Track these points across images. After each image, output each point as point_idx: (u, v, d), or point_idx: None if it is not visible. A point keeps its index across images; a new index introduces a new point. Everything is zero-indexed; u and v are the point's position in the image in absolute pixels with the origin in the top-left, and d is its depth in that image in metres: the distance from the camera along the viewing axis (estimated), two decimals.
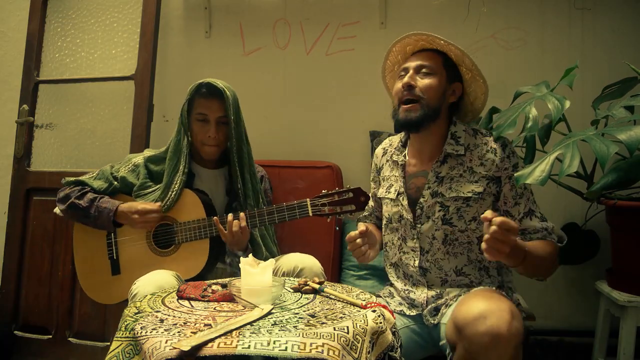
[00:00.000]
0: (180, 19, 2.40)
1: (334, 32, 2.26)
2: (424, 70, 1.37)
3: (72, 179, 1.71)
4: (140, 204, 1.59)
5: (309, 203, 1.49)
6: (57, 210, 1.72)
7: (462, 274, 1.35)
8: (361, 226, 1.33)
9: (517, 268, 1.23)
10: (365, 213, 1.65)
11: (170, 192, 1.60)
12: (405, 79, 1.37)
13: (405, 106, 1.36)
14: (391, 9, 2.22)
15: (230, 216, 1.52)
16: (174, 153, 1.64)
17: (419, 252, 1.38)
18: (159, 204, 1.58)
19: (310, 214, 1.49)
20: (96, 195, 1.65)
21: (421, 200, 1.38)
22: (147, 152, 1.74)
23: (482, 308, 1.08)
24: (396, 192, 1.44)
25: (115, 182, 1.67)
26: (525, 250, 1.18)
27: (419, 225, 1.38)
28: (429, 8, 2.17)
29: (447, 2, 2.15)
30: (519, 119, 1.46)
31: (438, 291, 1.36)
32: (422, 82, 1.36)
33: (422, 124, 1.36)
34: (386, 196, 1.48)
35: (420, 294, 1.37)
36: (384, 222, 1.50)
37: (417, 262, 1.38)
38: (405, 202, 1.41)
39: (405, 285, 1.42)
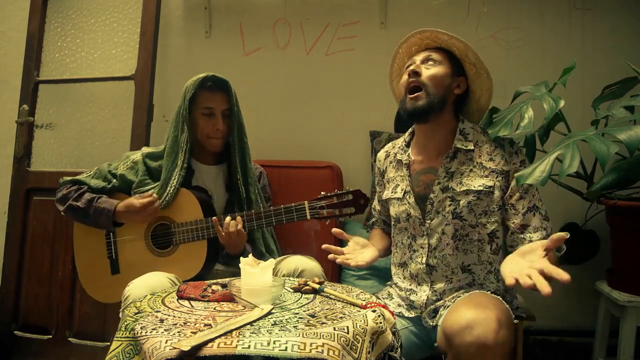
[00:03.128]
0: (180, 19, 2.40)
1: (334, 32, 2.26)
2: (429, 62, 1.39)
3: (70, 178, 1.69)
4: (136, 200, 1.57)
5: (307, 206, 1.48)
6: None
7: (468, 271, 1.35)
8: (337, 232, 1.40)
9: None
10: (373, 219, 1.65)
11: (168, 188, 1.59)
12: (412, 67, 1.39)
13: (411, 95, 1.37)
14: (391, 9, 2.22)
15: (228, 218, 1.52)
16: (171, 149, 1.63)
17: (427, 249, 1.38)
18: (152, 192, 1.57)
19: (308, 217, 1.48)
20: (94, 195, 1.63)
21: (431, 195, 1.38)
22: (145, 150, 1.73)
23: (469, 318, 1.08)
24: (402, 191, 1.44)
25: (114, 180, 1.67)
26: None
27: (428, 222, 1.38)
28: (429, 8, 2.17)
29: (447, 2, 2.15)
30: (515, 120, 1.46)
31: (439, 291, 1.36)
32: (427, 71, 1.38)
33: (429, 112, 1.36)
34: (392, 196, 1.47)
35: (422, 295, 1.37)
36: (392, 222, 1.50)
37: (424, 259, 1.38)
38: (412, 200, 1.41)
39: (410, 285, 1.42)
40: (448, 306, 1.32)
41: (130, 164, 1.69)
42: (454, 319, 1.10)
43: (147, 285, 1.37)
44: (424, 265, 1.38)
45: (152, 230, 1.63)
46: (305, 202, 1.48)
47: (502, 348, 1.05)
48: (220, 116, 1.63)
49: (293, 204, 1.49)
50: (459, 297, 1.32)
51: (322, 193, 1.48)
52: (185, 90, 1.63)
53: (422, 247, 1.40)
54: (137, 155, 1.71)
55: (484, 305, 1.12)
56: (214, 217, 1.54)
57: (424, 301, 1.36)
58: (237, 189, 1.65)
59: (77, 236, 1.71)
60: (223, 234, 1.51)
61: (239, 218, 1.52)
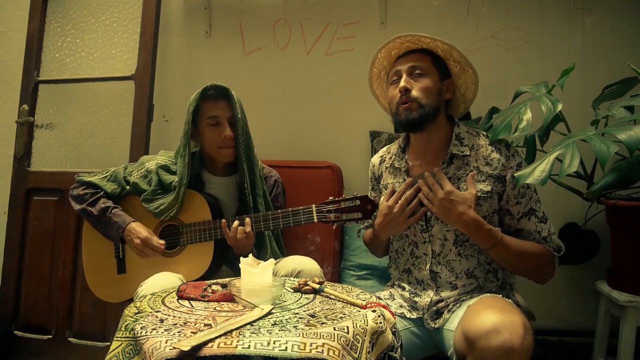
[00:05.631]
0: (180, 19, 2.40)
1: (334, 32, 2.26)
2: (417, 71, 1.37)
3: (87, 178, 1.68)
4: (147, 232, 1.57)
5: (314, 209, 1.48)
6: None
7: (473, 277, 1.35)
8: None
9: (502, 262, 1.31)
10: (367, 223, 1.62)
11: (176, 204, 1.59)
12: (402, 82, 1.36)
13: (404, 105, 1.36)
14: (391, 9, 2.22)
15: (236, 222, 1.51)
16: (179, 162, 1.63)
17: (430, 256, 1.38)
18: (162, 243, 1.56)
19: (315, 220, 1.47)
20: (109, 204, 1.63)
21: None
22: (161, 157, 1.72)
23: (495, 321, 1.06)
24: None
25: (128, 187, 1.67)
26: (499, 236, 1.27)
27: (430, 228, 1.38)
28: (429, 8, 2.17)
29: (447, 2, 2.15)
30: (514, 122, 1.46)
31: (445, 296, 1.35)
32: (417, 84, 1.36)
33: (424, 122, 1.36)
34: None
35: (426, 298, 1.37)
36: None
37: (428, 266, 1.38)
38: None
39: (415, 289, 1.41)
40: (451, 309, 1.32)
41: (144, 172, 1.69)
42: (478, 322, 1.09)
43: (160, 285, 1.37)
44: (428, 271, 1.37)
45: (161, 230, 1.63)
46: (313, 205, 1.48)
47: (527, 353, 1.04)
48: (226, 124, 1.60)
49: (301, 207, 1.49)
50: (463, 300, 1.32)
51: (330, 198, 1.48)
52: (188, 104, 1.61)
53: (425, 254, 1.39)
54: (152, 164, 1.69)
55: (508, 310, 1.11)
56: (222, 220, 1.53)
57: (427, 303, 1.36)
58: (246, 197, 1.64)
59: (86, 234, 1.72)
60: (230, 235, 1.51)
61: (247, 220, 1.51)
